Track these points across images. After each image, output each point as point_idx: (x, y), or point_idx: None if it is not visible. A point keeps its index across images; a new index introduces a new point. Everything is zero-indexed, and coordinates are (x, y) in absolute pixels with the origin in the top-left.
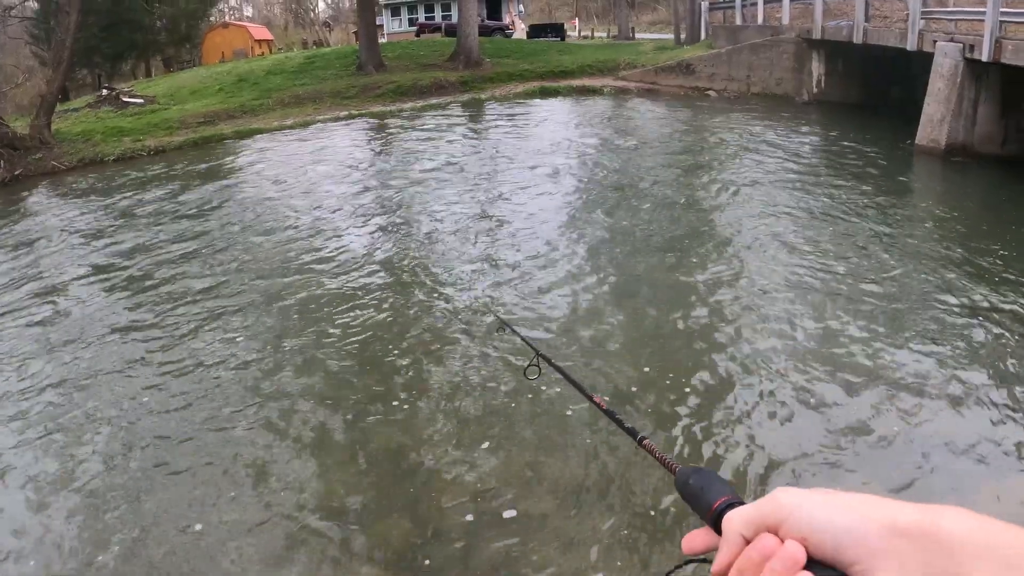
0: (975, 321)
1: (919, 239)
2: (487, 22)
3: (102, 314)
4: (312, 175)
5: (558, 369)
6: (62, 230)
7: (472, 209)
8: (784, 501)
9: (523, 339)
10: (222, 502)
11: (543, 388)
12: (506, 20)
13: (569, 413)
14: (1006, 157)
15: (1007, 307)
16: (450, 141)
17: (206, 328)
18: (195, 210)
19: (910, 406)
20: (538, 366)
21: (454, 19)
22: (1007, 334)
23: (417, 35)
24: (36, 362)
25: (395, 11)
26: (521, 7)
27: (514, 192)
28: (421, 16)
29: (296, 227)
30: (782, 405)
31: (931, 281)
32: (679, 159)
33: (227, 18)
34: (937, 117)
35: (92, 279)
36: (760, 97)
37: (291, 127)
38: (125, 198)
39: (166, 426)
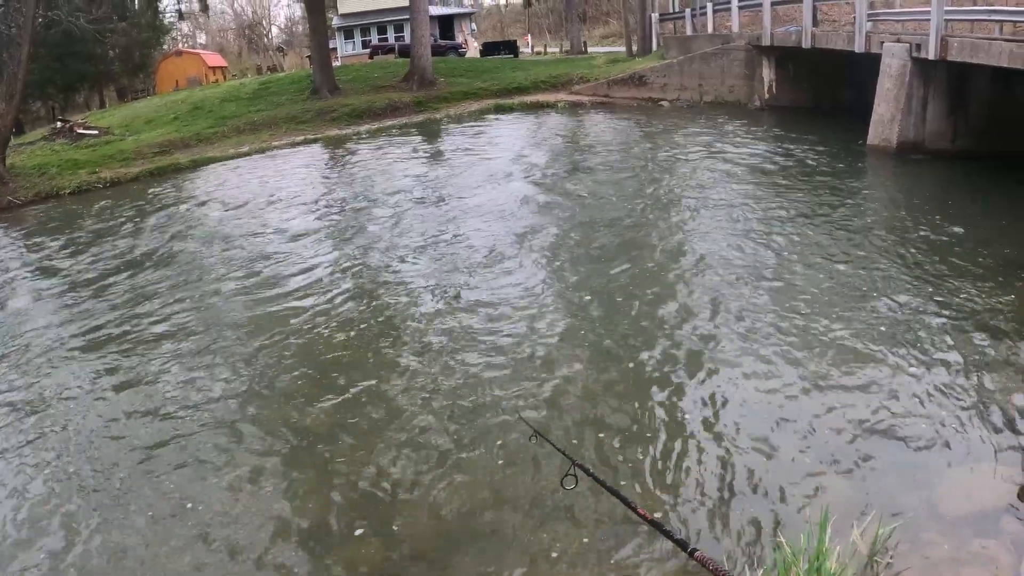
0: (930, 315)
1: (873, 236)
2: (440, 42)
3: (64, 348)
4: (269, 204)
5: (597, 480)
6: (20, 268)
7: (435, 244)
8: None
9: (559, 450)
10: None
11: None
12: (459, 39)
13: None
14: (957, 152)
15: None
16: (407, 164)
17: (177, 367)
18: (154, 243)
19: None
20: (575, 475)
21: (407, 40)
22: (957, 324)
23: (371, 57)
24: None
25: (348, 34)
26: (474, 26)
27: (475, 219)
28: (374, 38)
29: (258, 260)
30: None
31: (893, 277)
32: (634, 172)
33: (180, 46)
34: (887, 116)
35: (53, 314)
36: (713, 105)
37: (247, 154)
38: (82, 233)
39: (139, 458)
